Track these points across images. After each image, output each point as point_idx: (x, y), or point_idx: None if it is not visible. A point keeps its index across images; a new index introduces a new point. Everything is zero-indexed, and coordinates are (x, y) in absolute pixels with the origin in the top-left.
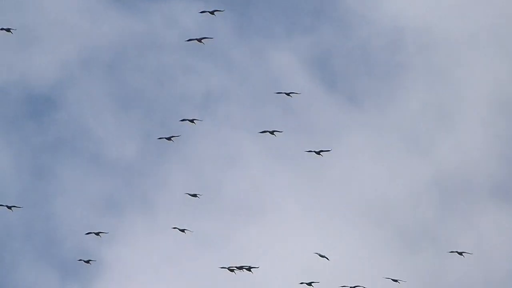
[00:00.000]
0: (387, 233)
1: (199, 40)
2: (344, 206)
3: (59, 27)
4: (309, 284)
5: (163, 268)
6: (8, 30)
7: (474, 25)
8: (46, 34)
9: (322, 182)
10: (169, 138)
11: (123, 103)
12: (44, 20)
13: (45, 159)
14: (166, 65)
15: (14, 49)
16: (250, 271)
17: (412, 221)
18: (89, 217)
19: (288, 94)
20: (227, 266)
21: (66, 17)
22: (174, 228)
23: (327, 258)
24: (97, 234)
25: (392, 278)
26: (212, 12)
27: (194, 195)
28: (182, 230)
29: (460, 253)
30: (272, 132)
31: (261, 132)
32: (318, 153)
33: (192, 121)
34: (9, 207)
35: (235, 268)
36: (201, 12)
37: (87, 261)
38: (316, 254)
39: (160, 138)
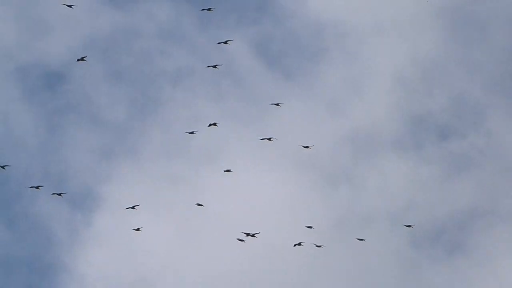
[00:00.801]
0: (314, 176)
1: (214, 66)
2: (283, 155)
3: (67, 19)
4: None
5: (147, 203)
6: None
7: (378, 16)
8: (56, 24)
9: (265, 134)
10: (191, 133)
11: (116, 78)
12: (56, 12)
13: (57, 120)
14: (147, 48)
15: (34, 35)
16: (254, 236)
17: (333, 166)
18: (90, 164)
19: (277, 104)
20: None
21: (73, 12)
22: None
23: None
24: (133, 207)
25: (304, 145)
26: (225, 42)
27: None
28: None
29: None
30: (269, 139)
31: (261, 139)
32: (277, 104)
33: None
34: (2, 167)
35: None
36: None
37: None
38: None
39: (187, 132)
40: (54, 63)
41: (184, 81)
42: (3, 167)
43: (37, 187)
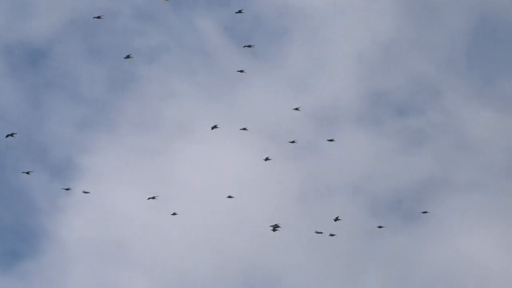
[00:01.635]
0: (277, 147)
1: (241, 71)
2: (251, 129)
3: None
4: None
5: (124, 173)
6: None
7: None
8: (38, 4)
9: (235, 110)
10: (214, 127)
11: (94, 56)
12: None
13: (39, 95)
14: (123, 29)
15: (18, 15)
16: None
17: (293, 137)
18: (70, 136)
19: (241, 71)
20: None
21: None
22: None
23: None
24: (153, 198)
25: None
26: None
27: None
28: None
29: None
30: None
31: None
32: (241, 71)
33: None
34: None
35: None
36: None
37: (27, 172)
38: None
39: (213, 128)
40: (36, 42)
41: (158, 58)
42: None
43: (27, 173)
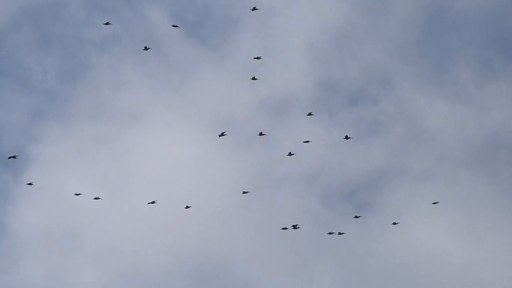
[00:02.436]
0: (231, 139)
1: (254, 78)
2: (202, 117)
3: None
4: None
5: (76, 163)
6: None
7: None
8: None
9: (187, 99)
10: (221, 134)
11: (46, 45)
12: None
13: None
14: (74, 18)
15: None
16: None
17: (248, 128)
18: (21, 124)
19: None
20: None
21: None
22: None
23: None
24: (153, 202)
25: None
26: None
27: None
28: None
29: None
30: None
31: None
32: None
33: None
34: None
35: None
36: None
37: (13, 157)
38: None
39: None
40: None
41: (110, 48)
42: None
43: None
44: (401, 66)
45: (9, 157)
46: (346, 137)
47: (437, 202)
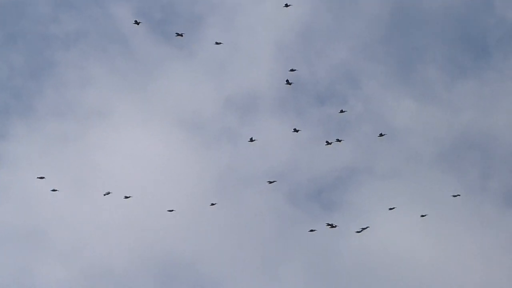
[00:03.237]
0: (198, 136)
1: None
2: (167, 114)
3: None
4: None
5: (41, 159)
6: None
7: None
8: None
9: (153, 96)
10: (251, 140)
11: (12, 42)
12: None
13: None
14: (40, 15)
15: None
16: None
17: (214, 126)
18: None
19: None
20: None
21: None
22: None
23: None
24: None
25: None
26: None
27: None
28: None
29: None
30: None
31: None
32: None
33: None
34: None
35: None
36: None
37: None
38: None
39: (250, 140)
40: None
41: (75, 44)
42: None
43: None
44: (368, 65)
45: None
46: (295, 130)
47: (394, 208)
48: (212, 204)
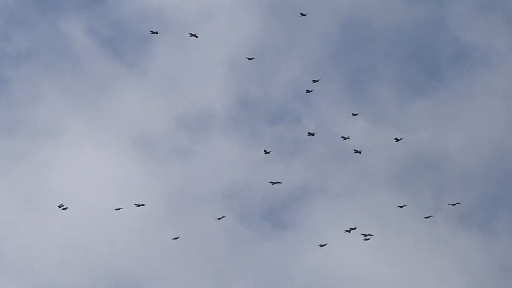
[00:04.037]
0: (150, 155)
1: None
2: (120, 134)
3: None
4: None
5: None
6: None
7: (204, 2)
8: None
9: (104, 114)
10: (266, 152)
11: None
12: None
13: None
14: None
15: None
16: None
17: (166, 144)
18: None
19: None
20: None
21: None
22: None
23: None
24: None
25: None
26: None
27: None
28: None
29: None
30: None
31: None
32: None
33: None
34: None
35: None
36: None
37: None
38: None
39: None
40: None
41: (26, 62)
42: None
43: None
44: (320, 83)
45: None
46: (265, 152)
47: (354, 228)
48: (176, 238)
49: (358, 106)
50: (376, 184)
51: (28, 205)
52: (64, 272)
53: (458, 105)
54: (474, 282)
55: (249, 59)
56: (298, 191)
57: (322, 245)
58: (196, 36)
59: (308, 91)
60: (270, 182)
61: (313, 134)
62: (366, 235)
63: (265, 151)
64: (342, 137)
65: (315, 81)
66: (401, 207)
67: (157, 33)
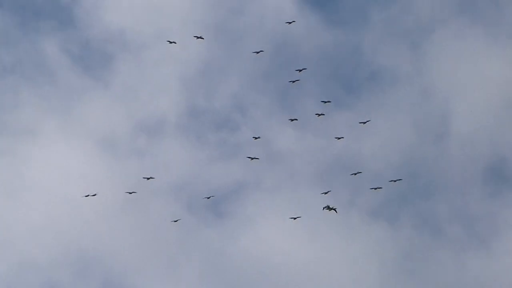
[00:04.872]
0: (110, 154)
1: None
2: (87, 135)
3: None
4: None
5: None
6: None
7: (157, 25)
8: None
9: (75, 119)
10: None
11: None
12: None
13: None
14: None
15: None
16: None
17: (124, 145)
18: None
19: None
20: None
21: None
22: None
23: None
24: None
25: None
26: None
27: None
28: None
29: None
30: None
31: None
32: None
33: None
34: None
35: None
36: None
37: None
38: None
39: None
40: None
41: (10, 73)
42: None
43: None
44: (255, 97)
45: None
46: (250, 158)
47: (298, 217)
48: (175, 221)
49: (287, 117)
50: (302, 181)
51: (9, 194)
52: (40, 250)
53: (371, 117)
54: (382, 266)
55: (198, 38)
56: (237, 186)
57: (294, 218)
58: (175, 43)
59: (292, 82)
60: (249, 157)
61: (258, 137)
62: (332, 208)
63: (290, 119)
64: (335, 137)
65: (299, 70)
66: (325, 193)
67: (175, 43)
